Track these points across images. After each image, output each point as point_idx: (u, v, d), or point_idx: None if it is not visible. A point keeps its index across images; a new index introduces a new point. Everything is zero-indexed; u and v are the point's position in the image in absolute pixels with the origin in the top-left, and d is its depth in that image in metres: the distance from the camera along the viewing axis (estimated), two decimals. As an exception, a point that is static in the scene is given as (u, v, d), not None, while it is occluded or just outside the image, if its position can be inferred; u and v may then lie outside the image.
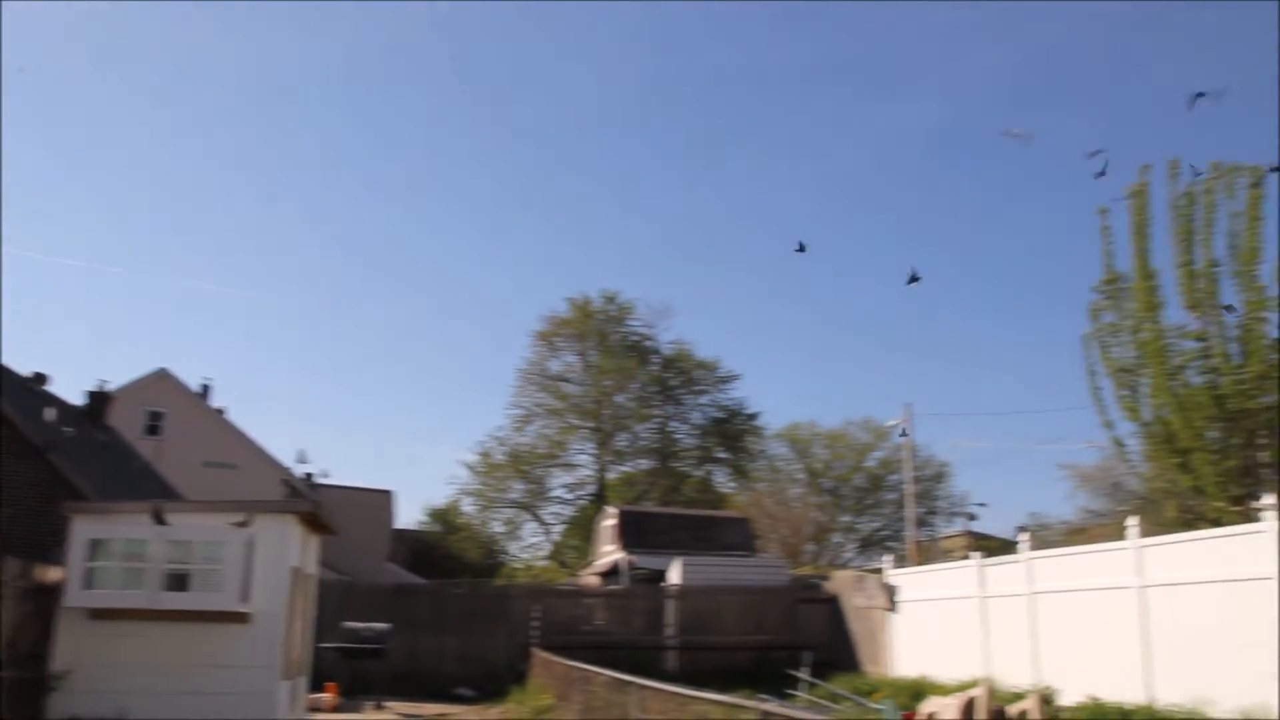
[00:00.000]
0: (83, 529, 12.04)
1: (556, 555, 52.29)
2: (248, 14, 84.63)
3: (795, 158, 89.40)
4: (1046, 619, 17.42)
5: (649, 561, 31.55)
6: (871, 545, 54.26)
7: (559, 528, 53.43)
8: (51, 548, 12.95)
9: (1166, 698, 13.82)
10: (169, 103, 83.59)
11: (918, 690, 18.32)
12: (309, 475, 40.20)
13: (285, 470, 37.53)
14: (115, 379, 27.87)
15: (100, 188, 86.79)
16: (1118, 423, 18.79)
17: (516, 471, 51.62)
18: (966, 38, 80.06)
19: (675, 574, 27.88)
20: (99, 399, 24.08)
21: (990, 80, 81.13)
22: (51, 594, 12.02)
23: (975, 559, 20.39)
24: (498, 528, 53.29)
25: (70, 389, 26.94)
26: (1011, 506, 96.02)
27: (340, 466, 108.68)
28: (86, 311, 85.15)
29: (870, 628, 23.97)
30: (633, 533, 35.29)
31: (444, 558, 50.02)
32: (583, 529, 48.28)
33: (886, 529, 55.03)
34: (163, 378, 36.47)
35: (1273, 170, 16.39)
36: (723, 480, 55.69)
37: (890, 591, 23.21)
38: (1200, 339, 17.18)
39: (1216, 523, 15.97)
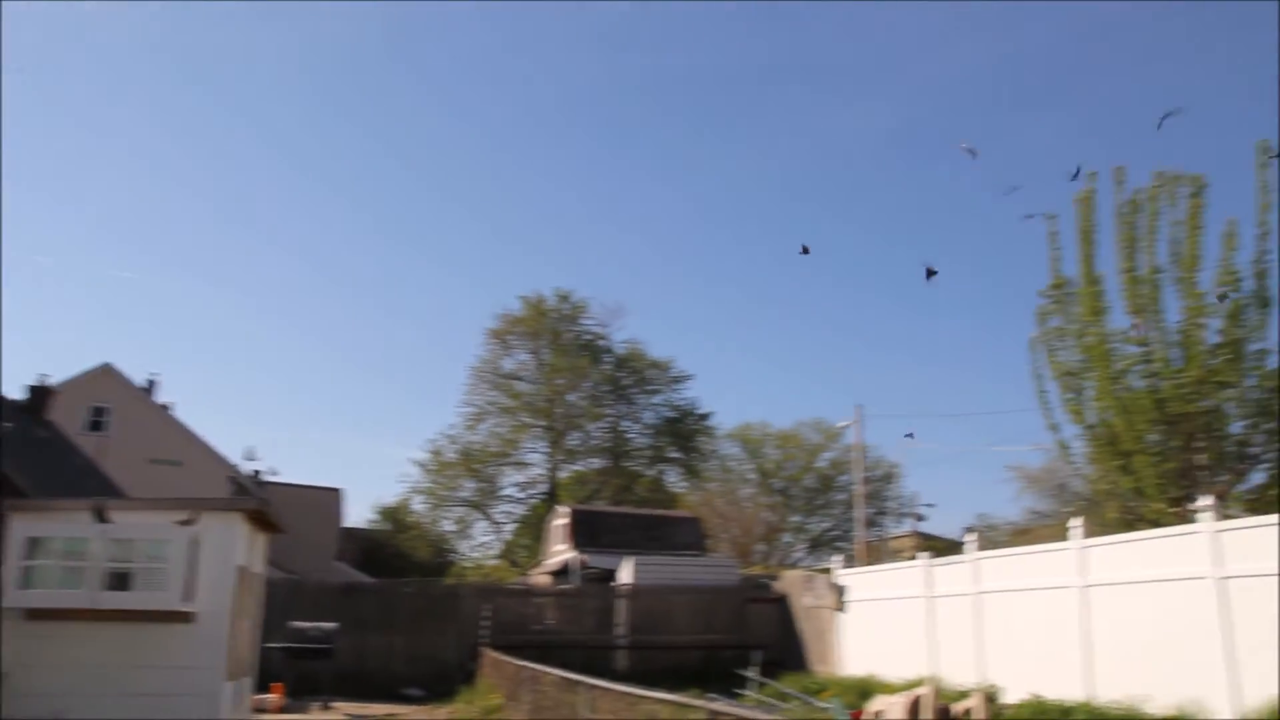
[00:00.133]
0: (20, 527, 11.77)
1: (507, 554, 52.09)
2: (208, 11, 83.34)
3: (750, 157, 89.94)
4: (991, 618, 17.69)
5: (600, 561, 31.56)
6: (821, 545, 54.71)
7: (510, 527, 53.23)
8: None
9: (1106, 695, 14.11)
10: (113, 92, 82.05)
11: (865, 689, 18.50)
12: (257, 473, 39.70)
13: (232, 467, 37.00)
14: (57, 374, 27.32)
15: (37, 176, 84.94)
16: (1063, 425, 19.11)
17: (468, 470, 51.33)
18: (927, 40, 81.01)
19: (626, 573, 27.91)
20: (39, 394, 23.53)
21: (950, 83, 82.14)
22: (-13, 594, 11.75)
23: (923, 559, 20.64)
24: (448, 526, 52.98)
25: (10, 384, 26.34)
26: (959, 507, 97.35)
27: (289, 464, 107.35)
28: (25, 304, 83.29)
29: (819, 627, 24.16)
30: (584, 532, 35.28)
31: (394, 556, 49.64)
32: (534, 528, 48.15)
33: (836, 529, 55.54)
34: (107, 373, 35.79)
35: (1273, 157, 16.64)
36: (674, 480, 55.84)
37: (839, 591, 23.42)
38: (1142, 344, 17.51)
39: (1156, 524, 16.31)
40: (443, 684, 21.52)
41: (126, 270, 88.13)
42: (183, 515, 12.19)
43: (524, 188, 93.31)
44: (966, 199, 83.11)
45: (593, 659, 22.62)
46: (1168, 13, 72.74)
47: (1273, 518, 12.99)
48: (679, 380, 55.23)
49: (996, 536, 38.51)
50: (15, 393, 22.85)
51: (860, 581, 23.36)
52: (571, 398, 52.90)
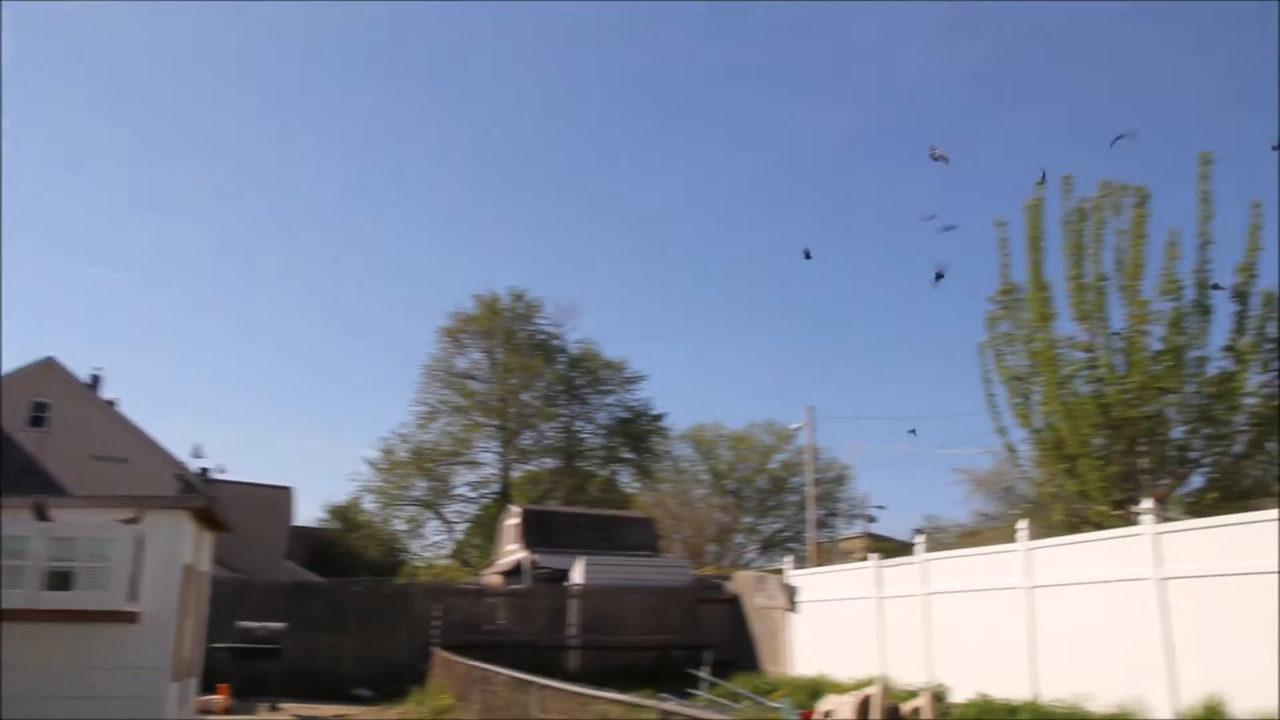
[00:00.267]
0: (-43, 525, 11.48)
1: (459, 554, 51.80)
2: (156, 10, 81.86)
3: (704, 158, 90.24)
4: (940, 619, 17.93)
5: (552, 561, 31.51)
6: (773, 546, 55.03)
7: (462, 526, 52.94)
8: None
9: (1051, 693, 14.37)
10: (57, 82, 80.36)
11: (816, 689, 18.67)
12: (204, 470, 39.09)
13: (179, 465, 36.41)
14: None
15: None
16: (1011, 429, 19.37)
17: (420, 469, 50.97)
18: (884, 45, 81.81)
19: (578, 573, 27.89)
20: (-22, 389, 23.03)
21: (906, 88, 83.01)
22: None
23: (873, 560, 20.85)
24: (400, 525, 52.58)
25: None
26: (909, 509, 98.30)
27: (238, 461, 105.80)
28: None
29: (771, 627, 24.32)
30: (536, 532, 35.20)
31: (344, 555, 49.16)
32: (486, 528, 47.95)
33: (788, 530, 55.88)
34: (49, 367, 35.04)
35: (1275, 148, 16.90)
36: (627, 480, 55.89)
37: (790, 592, 23.59)
38: (1088, 350, 17.82)
39: (1100, 526, 16.62)
40: (393, 684, 21.35)
41: (72, 264, 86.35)
42: (127, 513, 11.98)
43: (478, 188, 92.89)
44: (920, 202, 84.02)
45: (544, 659, 22.58)
46: (1117, 24, 74.11)
47: (1210, 520, 13.33)
48: (632, 381, 55.34)
49: (945, 538, 39.01)
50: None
51: (811, 582, 23.54)
52: (525, 397, 52.75)
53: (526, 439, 53.30)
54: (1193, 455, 17.25)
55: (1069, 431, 17.63)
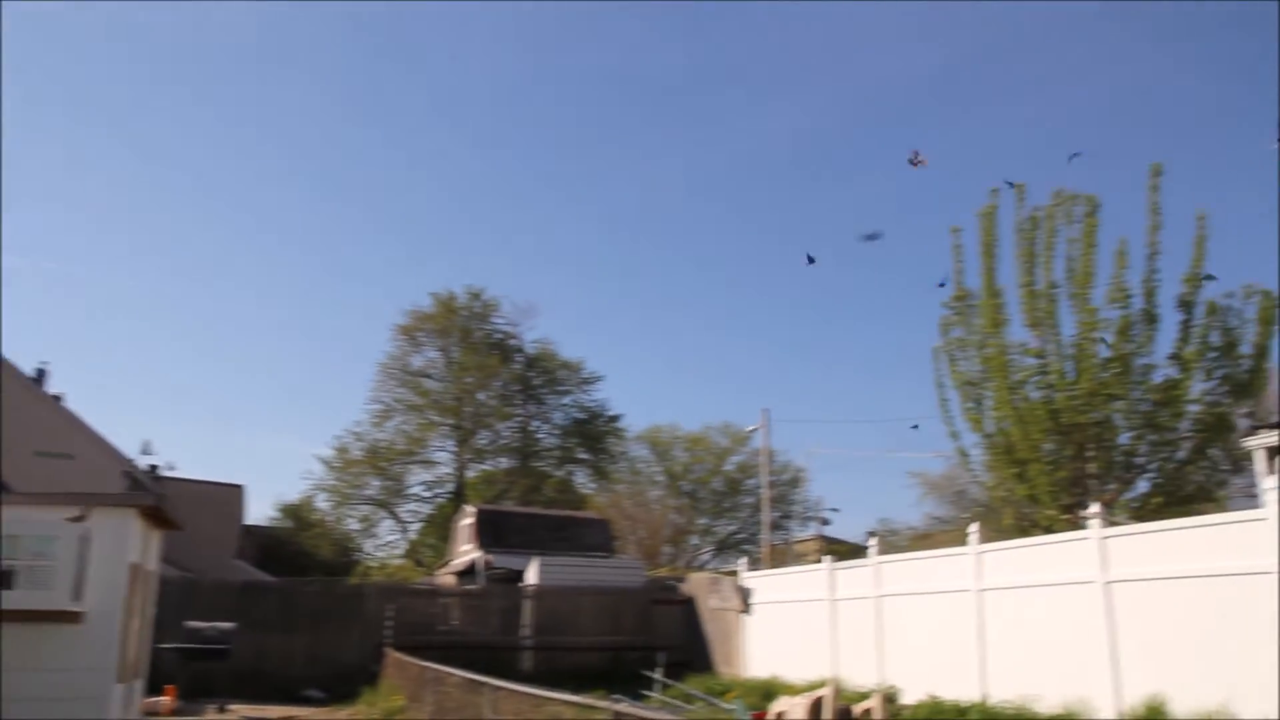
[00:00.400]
0: (-106, 522, 11.20)
1: (413, 554, 51.45)
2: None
3: (661, 160, 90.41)
4: (892, 621, 18.11)
5: (507, 561, 31.41)
6: (728, 548, 55.30)
7: (416, 526, 52.60)
8: None
9: (1000, 694, 14.58)
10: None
11: (769, 690, 18.78)
12: (153, 467, 38.41)
13: (127, 461, 35.74)
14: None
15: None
16: (963, 433, 19.60)
17: (374, 468, 50.55)
18: (842, 47, 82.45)
19: (533, 574, 27.82)
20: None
21: (861, 92, 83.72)
22: None
23: (826, 563, 21.01)
24: (353, 525, 52.11)
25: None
26: (863, 512, 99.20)
27: (188, 459, 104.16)
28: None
29: (725, 629, 24.41)
30: (491, 532, 35.06)
31: (296, 555, 48.57)
32: (440, 528, 47.67)
33: (742, 532, 56.15)
34: (-9, 361, 34.23)
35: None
36: (583, 481, 55.86)
37: (744, 594, 23.70)
38: (1039, 356, 18.09)
39: (1048, 530, 16.88)
40: (344, 685, 21.16)
41: (23, 257, 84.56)
42: (73, 512, 11.75)
43: (434, 187, 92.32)
44: (878, 206, 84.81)
45: (497, 660, 22.49)
46: (1074, 35, 75.31)
47: (1154, 525, 13.60)
48: (589, 381, 55.33)
49: (898, 541, 39.41)
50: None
51: (765, 584, 23.67)
52: (481, 396, 52.53)
53: (482, 438, 53.10)
54: (1139, 461, 17.58)
55: (1020, 436, 17.87)
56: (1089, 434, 17.45)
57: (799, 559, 42.78)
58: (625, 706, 9.38)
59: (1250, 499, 16.38)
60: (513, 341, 54.39)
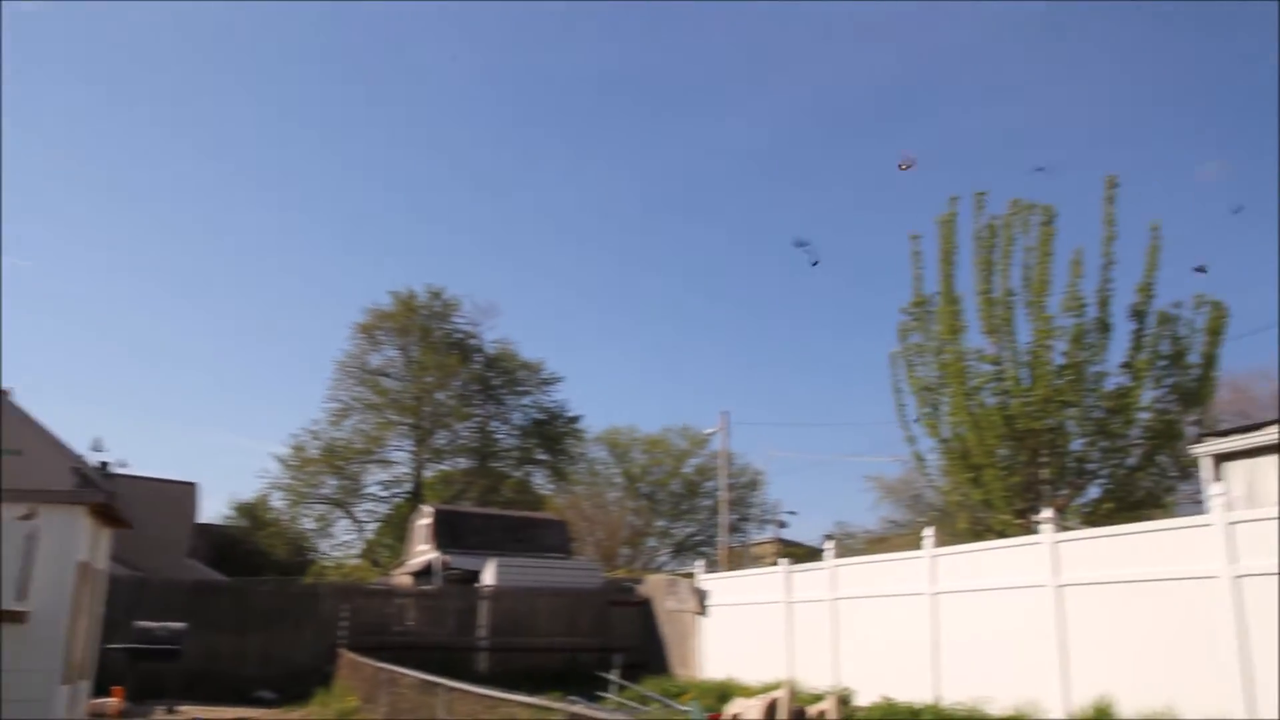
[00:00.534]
0: None
1: (369, 554, 51.03)
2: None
3: (621, 164, 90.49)
4: (847, 623, 18.25)
5: (463, 562, 31.26)
6: (685, 550, 55.44)
7: (373, 526, 52.17)
8: None
9: (953, 696, 14.74)
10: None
11: (724, 692, 18.85)
12: (104, 464, 37.80)
13: (77, 458, 35.15)
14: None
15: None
16: (919, 438, 19.79)
17: (331, 467, 50.07)
18: (799, 55, 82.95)
19: (489, 575, 27.72)
20: None
21: (821, 99, 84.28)
22: None
23: (783, 565, 21.13)
24: (308, 524, 51.57)
25: None
26: (820, 515, 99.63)
27: (141, 456, 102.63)
28: None
29: (681, 631, 24.47)
30: (448, 532, 34.88)
31: (250, 554, 47.97)
32: (397, 528, 47.33)
33: (700, 534, 56.34)
34: (-63, 354, 33.61)
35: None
36: (541, 482, 55.71)
37: (701, 596, 23.77)
38: (995, 363, 18.32)
39: (1002, 534, 17.12)
40: (298, 686, 20.95)
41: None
42: (20, 510, 11.54)
43: (393, 190, 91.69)
44: (837, 212, 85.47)
45: (453, 661, 22.38)
46: (1029, 44, 76.42)
47: (1105, 530, 13.84)
48: (549, 382, 55.18)
49: (854, 544, 39.74)
50: None
51: (722, 586, 23.76)
52: (440, 396, 52.21)
53: (440, 438, 52.78)
54: (1090, 467, 17.86)
55: (975, 442, 18.09)
56: (1043, 440, 17.70)
57: (756, 561, 43.00)
58: (581, 708, 9.38)
59: (1197, 505, 16.72)
60: (472, 341, 54.14)
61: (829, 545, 19.96)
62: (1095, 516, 17.21)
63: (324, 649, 22.87)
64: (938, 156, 79.06)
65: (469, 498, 50.02)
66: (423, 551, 36.03)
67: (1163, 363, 17.65)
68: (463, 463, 53.73)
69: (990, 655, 14.61)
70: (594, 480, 57.51)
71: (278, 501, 51.37)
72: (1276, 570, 10.68)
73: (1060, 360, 17.71)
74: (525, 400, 54.91)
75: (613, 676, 21.16)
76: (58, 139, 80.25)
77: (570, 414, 55.06)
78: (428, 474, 52.45)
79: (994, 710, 13.86)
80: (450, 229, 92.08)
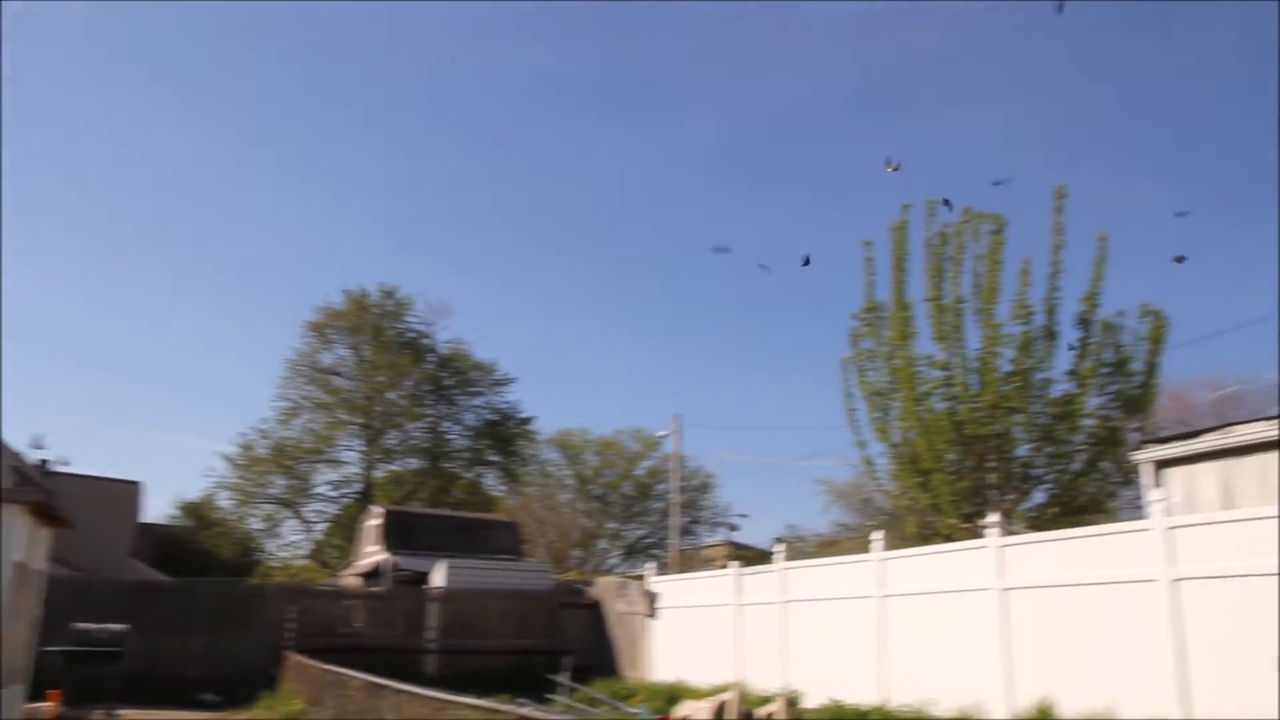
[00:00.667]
0: None
1: (317, 555, 50.45)
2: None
3: (576, 165, 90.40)
4: (797, 626, 18.38)
5: (413, 563, 31.04)
6: (636, 552, 55.47)
7: (321, 526, 51.57)
8: None
9: (900, 699, 14.91)
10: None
11: (674, 694, 18.90)
12: (44, 462, 36.99)
13: (15, 456, 34.38)
14: None
15: None
16: (870, 442, 19.98)
17: (279, 466, 49.42)
18: (759, 60, 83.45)
19: (439, 576, 27.55)
20: None
21: (782, 103, 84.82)
22: None
23: (733, 568, 21.22)
24: (256, 524, 50.85)
25: None
26: (771, 518, 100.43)
27: (83, 453, 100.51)
28: None
29: (631, 633, 24.49)
30: (398, 533, 34.61)
31: (195, 555, 47.24)
32: (346, 528, 46.84)
33: (651, 536, 56.41)
34: None
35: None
36: (493, 483, 55.44)
37: (651, 598, 23.81)
38: (944, 369, 18.56)
39: (949, 538, 17.34)
40: (243, 688, 20.64)
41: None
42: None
43: (342, 186, 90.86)
44: (793, 216, 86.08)
45: (402, 663, 22.20)
46: (985, 55, 77.58)
47: (1049, 534, 14.08)
48: (502, 383, 54.91)
49: (804, 547, 40.06)
50: None
51: (673, 589, 23.81)
52: (391, 396, 51.77)
53: (391, 438, 52.31)
54: (1036, 472, 18.15)
55: (924, 447, 18.30)
56: (990, 445, 17.96)
57: (707, 564, 43.15)
58: (530, 710, 9.37)
59: (1137, 510, 17.05)
60: (425, 341, 53.72)
61: (779, 548, 20.08)
62: (1040, 521, 17.50)
63: (270, 651, 22.56)
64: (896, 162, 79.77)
65: (420, 498, 49.66)
66: (372, 552, 35.70)
67: (1106, 370, 18.00)
68: (414, 463, 53.30)
69: (937, 657, 14.80)
70: (546, 482, 57.36)
71: (224, 501, 50.63)
72: (1212, 574, 10.96)
73: (1008, 367, 17.98)
74: (478, 401, 54.62)
75: (562, 679, 21.11)
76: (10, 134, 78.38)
77: (523, 415, 54.89)
78: (378, 474, 51.98)
79: (939, 711, 14.04)
80: (403, 230, 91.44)
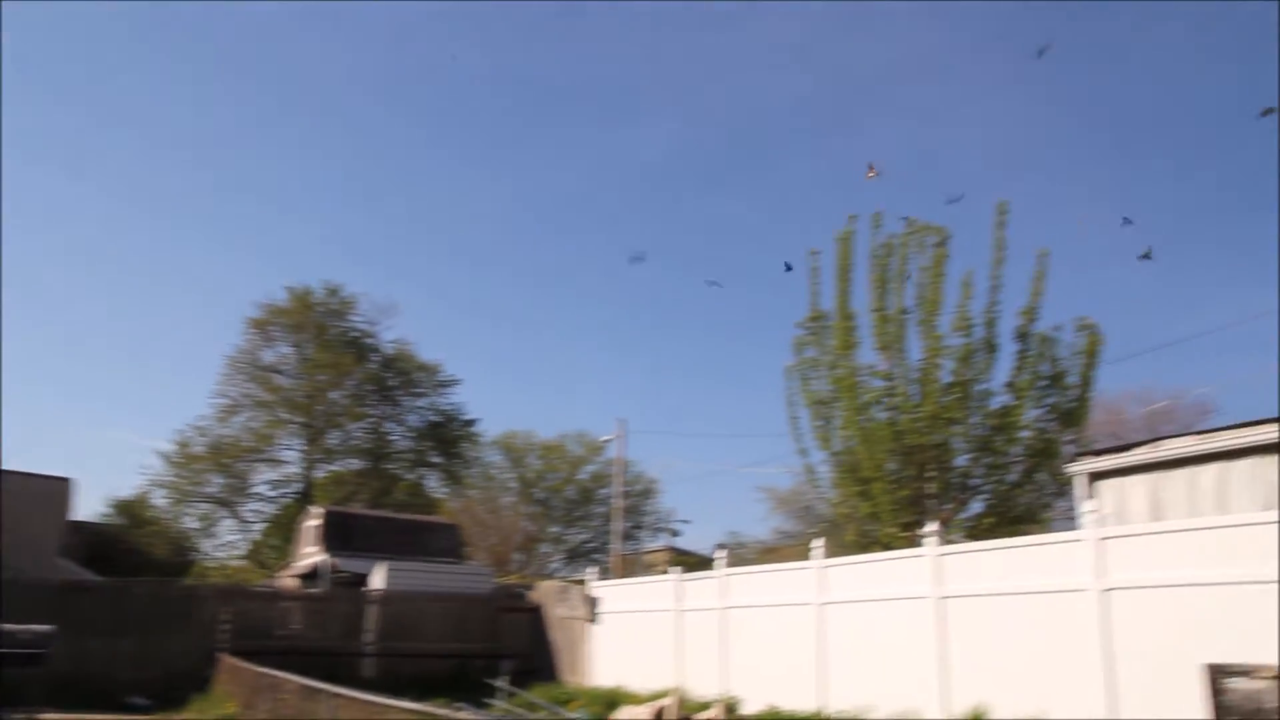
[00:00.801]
0: None
1: (254, 555, 49.63)
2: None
3: (525, 170, 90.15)
4: (736, 632, 18.47)
5: (352, 565, 30.68)
6: (578, 557, 55.34)
7: (259, 526, 50.75)
8: None
9: (838, 705, 15.06)
10: None
11: (613, 700, 18.90)
12: (-33, 458, 36.00)
13: (-59, 451, 33.46)
14: None
15: None
16: (811, 450, 20.14)
17: (217, 465, 48.56)
18: (709, 68, 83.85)
19: (379, 578, 27.27)
20: None
21: (731, 111, 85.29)
22: None
23: (674, 574, 21.27)
24: (191, 523, 49.88)
25: None
26: (713, 524, 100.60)
27: (12, 450, 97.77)
28: None
29: (572, 638, 24.44)
30: (337, 534, 34.17)
31: (128, 554, 46.19)
32: (285, 528, 46.13)
33: (593, 541, 56.33)
34: None
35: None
36: (435, 485, 54.99)
37: (592, 603, 23.78)
38: (886, 379, 18.78)
39: (888, 547, 17.53)
40: (174, 691, 20.22)
41: None
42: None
43: (290, 185, 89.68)
44: (739, 225, 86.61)
45: (339, 666, 21.90)
46: (935, 70, 78.71)
47: (985, 544, 14.33)
48: (446, 384, 54.51)
49: (745, 554, 40.24)
50: None
51: (614, 594, 23.80)
52: (333, 395, 51.11)
53: (333, 438, 51.67)
54: (974, 482, 18.43)
55: (865, 455, 18.50)
56: (930, 455, 18.20)
57: (648, 569, 43.22)
58: (467, 714, 9.34)
59: (1070, 521, 17.40)
60: (369, 340, 53.14)
61: (720, 555, 20.16)
62: (977, 530, 17.77)
63: (203, 653, 22.14)
64: (846, 173, 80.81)
65: (360, 499, 49.08)
66: (311, 553, 35.21)
67: (1043, 383, 18.34)
68: (355, 464, 52.69)
69: (875, 664, 14.97)
70: (488, 485, 57.01)
71: (159, 499, 49.62)
72: (1141, 584, 11.24)
73: (948, 378, 18.24)
74: (421, 402, 54.16)
75: (501, 683, 21.00)
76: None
77: (467, 417, 54.55)
78: (318, 474, 51.28)
79: (877, 716, 14.21)
80: (345, 233, 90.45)
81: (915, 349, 18.68)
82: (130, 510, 50.66)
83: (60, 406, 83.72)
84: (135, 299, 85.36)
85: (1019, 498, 18.37)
